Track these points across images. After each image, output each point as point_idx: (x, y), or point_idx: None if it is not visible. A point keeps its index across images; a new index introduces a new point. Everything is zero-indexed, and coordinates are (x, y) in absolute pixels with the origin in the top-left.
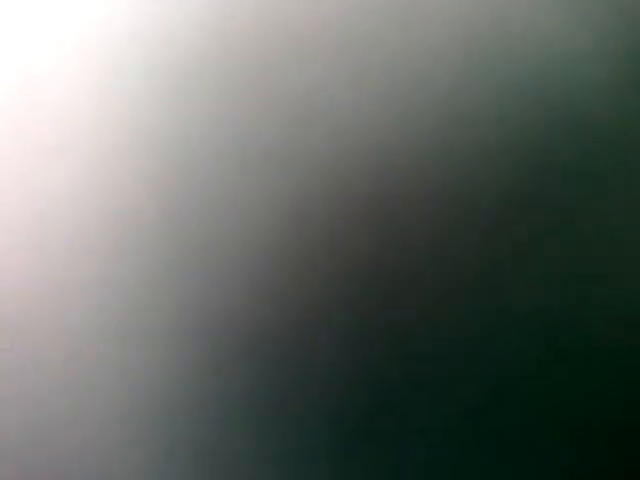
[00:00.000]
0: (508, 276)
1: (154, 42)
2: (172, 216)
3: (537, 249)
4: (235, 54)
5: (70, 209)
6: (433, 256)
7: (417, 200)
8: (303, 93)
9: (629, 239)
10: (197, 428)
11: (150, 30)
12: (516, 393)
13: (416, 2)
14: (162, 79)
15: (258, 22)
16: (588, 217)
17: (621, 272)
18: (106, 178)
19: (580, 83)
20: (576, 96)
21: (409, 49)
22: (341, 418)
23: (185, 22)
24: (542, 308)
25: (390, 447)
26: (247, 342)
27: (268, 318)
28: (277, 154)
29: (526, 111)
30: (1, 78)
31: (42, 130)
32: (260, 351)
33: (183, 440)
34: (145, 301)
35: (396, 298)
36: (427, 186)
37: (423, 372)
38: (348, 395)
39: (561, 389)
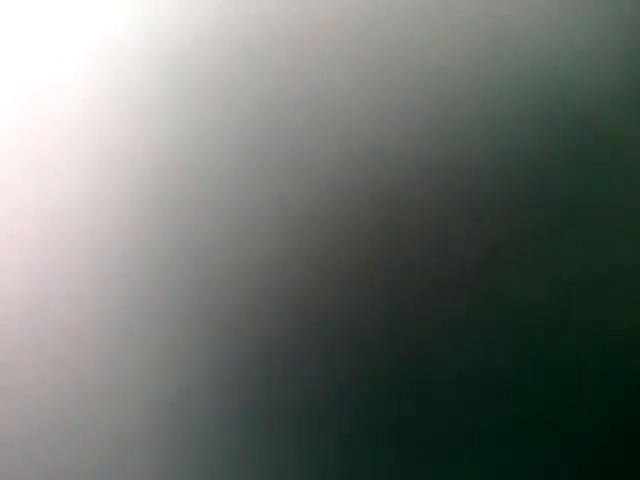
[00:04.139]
0: (510, 277)
1: (163, 47)
2: (177, 221)
3: (538, 250)
4: (242, 59)
5: (72, 211)
6: (436, 259)
7: (421, 204)
8: (310, 97)
9: (630, 239)
10: (199, 430)
11: (158, 34)
12: (517, 393)
13: (422, 8)
14: (169, 84)
15: (266, 27)
16: (589, 217)
17: (622, 272)
18: (111, 182)
19: (580, 83)
20: (576, 96)
21: (415, 54)
22: (345, 421)
23: (193, 27)
24: (544, 308)
25: (393, 449)
26: (251, 346)
27: (272, 322)
28: (282, 158)
29: (526, 112)
30: (5, 84)
31: (44, 134)
32: (264, 355)
33: (184, 441)
34: (149, 304)
35: (400, 300)
36: (431, 189)
37: (426, 373)
38: (351, 398)
39: (562, 388)
